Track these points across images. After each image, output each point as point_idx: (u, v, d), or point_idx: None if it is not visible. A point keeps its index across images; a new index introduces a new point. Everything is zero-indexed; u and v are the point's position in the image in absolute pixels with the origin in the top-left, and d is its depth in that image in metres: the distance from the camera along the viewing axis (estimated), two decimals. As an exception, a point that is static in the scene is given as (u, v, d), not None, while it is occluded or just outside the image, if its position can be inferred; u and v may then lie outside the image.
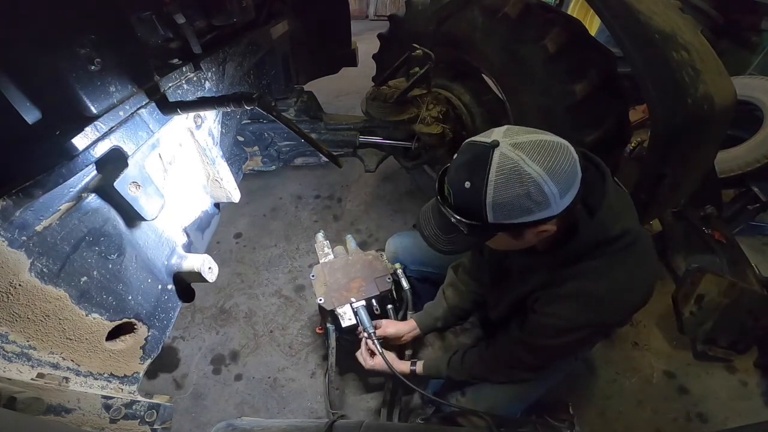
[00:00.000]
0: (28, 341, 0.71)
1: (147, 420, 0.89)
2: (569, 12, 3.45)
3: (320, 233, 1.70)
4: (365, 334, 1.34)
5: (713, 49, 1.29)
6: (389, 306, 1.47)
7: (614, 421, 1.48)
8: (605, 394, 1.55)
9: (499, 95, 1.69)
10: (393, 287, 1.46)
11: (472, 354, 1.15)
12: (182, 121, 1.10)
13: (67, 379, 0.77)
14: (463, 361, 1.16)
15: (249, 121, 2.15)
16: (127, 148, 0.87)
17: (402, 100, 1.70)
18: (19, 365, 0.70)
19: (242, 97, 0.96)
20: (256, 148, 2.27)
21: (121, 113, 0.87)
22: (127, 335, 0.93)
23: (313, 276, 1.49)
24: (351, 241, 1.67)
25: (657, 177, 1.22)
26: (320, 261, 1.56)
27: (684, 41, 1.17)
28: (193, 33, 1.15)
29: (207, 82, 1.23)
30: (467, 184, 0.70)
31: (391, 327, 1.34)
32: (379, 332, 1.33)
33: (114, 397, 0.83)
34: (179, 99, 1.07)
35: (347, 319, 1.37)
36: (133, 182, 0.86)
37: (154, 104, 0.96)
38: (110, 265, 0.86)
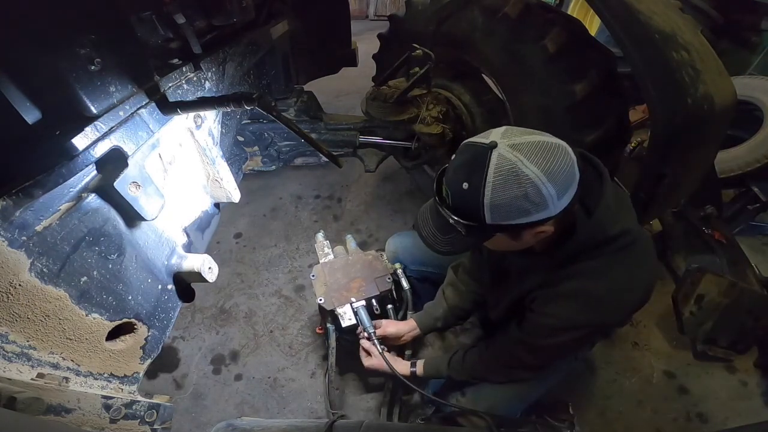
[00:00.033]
0: (28, 341, 0.71)
1: (147, 420, 0.89)
2: (569, 12, 3.45)
3: (320, 233, 1.70)
4: (365, 334, 1.34)
5: (713, 49, 1.29)
6: (389, 306, 1.47)
7: (614, 421, 1.48)
8: (605, 394, 1.55)
9: (499, 95, 1.69)
10: (393, 287, 1.46)
11: (473, 354, 1.15)
12: (182, 121, 1.10)
13: (67, 379, 0.77)
14: (463, 361, 1.16)
15: (249, 121, 2.15)
16: (127, 148, 0.87)
17: (402, 100, 1.70)
18: (19, 365, 0.70)
19: (242, 97, 0.96)
20: (256, 148, 2.27)
21: (121, 113, 0.87)
22: (127, 335, 0.93)
23: (313, 276, 1.49)
24: (351, 241, 1.67)
25: (657, 177, 1.22)
26: (320, 261, 1.56)
27: (684, 41, 1.17)
28: (193, 33, 1.15)
29: (207, 82, 1.23)
30: (465, 185, 0.70)
31: (391, 327, 1.34)
32: (379, 332, 1.33)
33: (114, 397, 0.83)
34: (179, 99, 1.07)
35: (347, 319, 1.37)
36: (133, 182, 0.86)
37: (154, 104, 0.96)
38: (110, 265, 0.86)
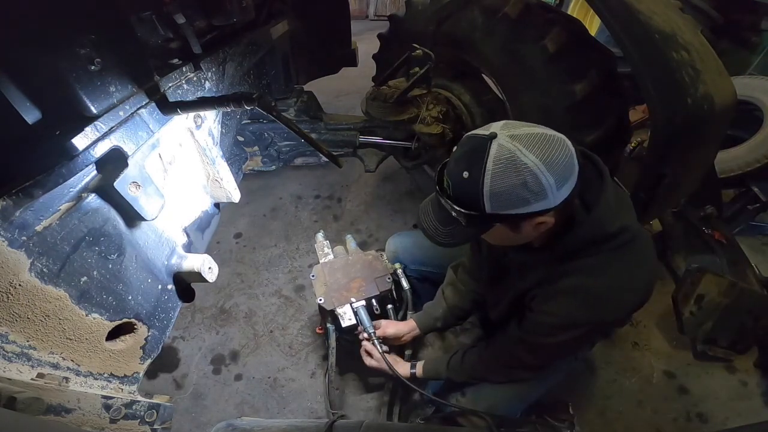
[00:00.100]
0: (28, 341, 0.71)
1: (147, 420, 0.89)
2: (569, 12, 3.45)
3: (320, 233, 1.70)
4: (365, 335, 1.34)
5: (713, 49, 1.29)
6: (389, 306, 1.47)
7: (614, 421, 1.48)
8: (605, 394, 1.55)
9: (499, 95, 1.69)
10: (393, 287, 1.46)
11: (472, 354, 1.15)
12: (182, 121, 1.10)
13: (67, 379, 0.77)
14: (462, 362, 1.16)
15: (249, 121, 2.15)
16: (127, 148, 0.87)
17: (402, 100, 1.70)
18: (19, 365, 0.70)
19: (242, 97, 0.96)
20: (256, 148, 2.27)
21: (121, 113, 0.87)
22: (127, 335, 0.93)
23: (313, 276, 1.49)
24: (351, 241, 1.67)
25: (657, 177, 1.22)
26: (320, 261, 1.56)
27: (684, 41, 1.17)
28: (193, 33, 1.15)
29: (207, 82, 1.23)
30: (465, 174, 0.71)
31: (390, 327, 1.34)
32: (378, 333, 1.33)
33: (114, 397, 0.83)
34: (179, 99, 1.07)
35: (347, 319, 1.37)
36: (133, 182, 0.86)
37: (154, 104, 0.96)
38: (110, 265, 0.86)
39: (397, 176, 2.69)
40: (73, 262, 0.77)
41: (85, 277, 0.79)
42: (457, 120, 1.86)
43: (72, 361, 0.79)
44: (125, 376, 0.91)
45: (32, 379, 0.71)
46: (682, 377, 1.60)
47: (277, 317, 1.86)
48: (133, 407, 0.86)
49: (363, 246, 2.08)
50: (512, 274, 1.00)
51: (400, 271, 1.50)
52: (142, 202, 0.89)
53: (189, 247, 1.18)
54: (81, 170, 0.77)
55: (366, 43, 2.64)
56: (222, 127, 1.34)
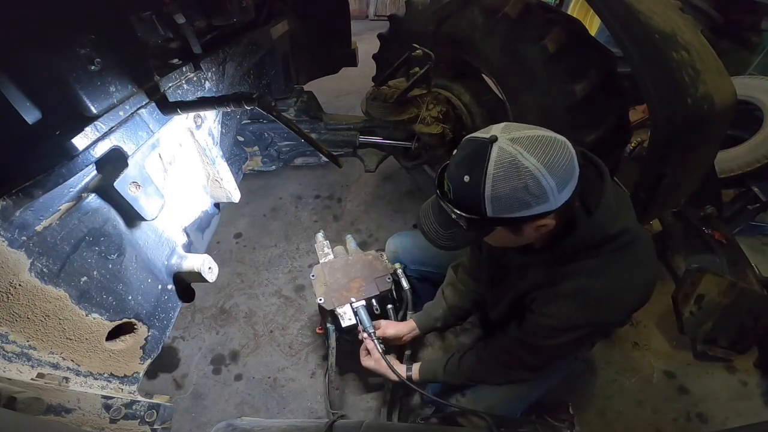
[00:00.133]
0: (28, 341, 0.71)
1: (147, 420, 0.89)
2: (569, 12, 3.45)
3: (320, 233, 1.70)
4: (365, 335, 1.34)
5: (713, 49, 1.29)
6: (389, 306, 1.47)
7: (614, 421, 1.48)
8: (605, 394, 1.55)
9: (499, 95, 1.69)
10: (393, 287, 1.46)
11: (470, 356, 1.15)
12: (182, 121, 1.10)
13: (67, 379, 0.77)
14: (460, 365, 1.16)
15: (249, 121, 2.15)
16: (127, 148, 0.87)
17: (402, 100, 1.70)
18: (19, 365, 0.70)
19: (242, 97, 0.96)
20: (256, 148, 2.27)
21: (121, 113, 0.87)
22: (127, 335, 0.93)
23: (313, 276, 1.49)
24: (351, 241, 1.67)
25: (657, 177, 1.22)
26: (320, 261, 1.56)
27: (684, 41, 1.17)
28: (193, 33, 1.15)
29: (207, 82, 1.23)
30: (466, 178, 0.71)
31: (390, 328, 1.34)
32: (378, 333, 1.33)
33: (114, 397, 0.83)
34: (179, 99, 1.07)
35: (347, 319, 1.37)
36: (133, 182, 0.86)
37: (154, 104, 0.96)
38: (110, 265, 0.86)
39: (397, 176, 2.69)
40: (73, 262, 0.77)
41: (85, 277, 0.79)
42: (457, 120, 1.86)
43: (72, 361, 0.79)
44: (125, 376, 0.91)
45: (32, 379, 0.71)
46: (682, 377, 1.60)
47: (277, 317, 1.86)
48: (133, 407, 0.86)
49: (363, 246, 2.08)
50: (512, 275, 1.00)
51: (400, 271, 1.50)
52: (142, 202, 0.89)
53: (189, 247, 1.18)
54: (81, 170, 0.77)
55: (366, 43, 2.64)
56: (222, 127, 1.35)
